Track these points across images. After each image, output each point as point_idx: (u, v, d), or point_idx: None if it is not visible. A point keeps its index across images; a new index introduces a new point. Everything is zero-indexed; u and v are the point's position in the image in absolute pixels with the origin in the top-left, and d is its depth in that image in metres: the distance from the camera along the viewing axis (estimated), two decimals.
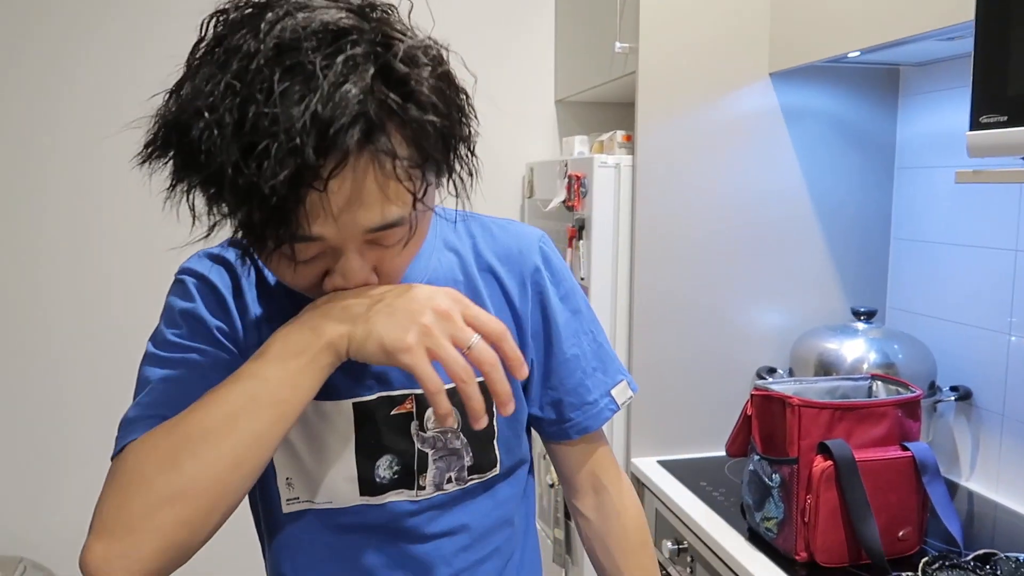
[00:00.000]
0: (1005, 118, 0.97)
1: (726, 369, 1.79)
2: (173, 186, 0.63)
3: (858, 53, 1.52)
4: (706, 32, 1.70)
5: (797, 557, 1.27)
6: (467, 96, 0.68)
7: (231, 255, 0.78)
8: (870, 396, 1.38)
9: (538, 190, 2.16)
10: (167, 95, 0.63)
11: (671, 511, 1.57)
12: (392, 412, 0.78)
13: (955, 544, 1.27)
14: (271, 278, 0.78)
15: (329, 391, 0.74)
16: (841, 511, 1.25)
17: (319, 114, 0.57)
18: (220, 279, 0.77)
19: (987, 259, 1.57)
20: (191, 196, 0.63)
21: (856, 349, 1.60)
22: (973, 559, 1.09)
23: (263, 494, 0.81)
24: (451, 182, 0.69)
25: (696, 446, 1.77)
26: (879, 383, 1.39)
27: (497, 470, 0.83)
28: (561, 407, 0.87)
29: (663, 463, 1.73)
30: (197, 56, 0.62)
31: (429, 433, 0.79)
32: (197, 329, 0.74)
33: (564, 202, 1.85)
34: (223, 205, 0.62)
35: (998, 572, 1.07)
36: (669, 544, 1.56)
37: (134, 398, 0.72)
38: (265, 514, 0.83)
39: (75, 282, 2.11)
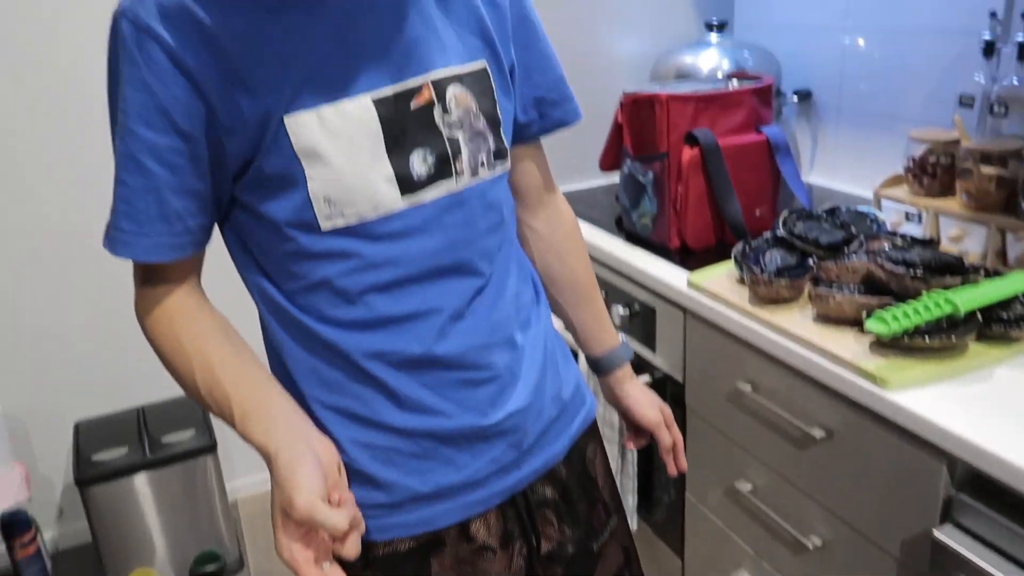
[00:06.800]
0: None
1: (590, 101, 1.83)
2: None
3: None
4: None
5: (671, 245, 1.39)
6: None
7: None
8: None
9: None
10: None
11: None
12: (412, 107, 0.73)
13: None
14: None
15: (344, 88, 0.70)
16: (708, 196, 1.36)
17: None
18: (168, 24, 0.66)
19: None
20: None
21: (711, 59, 1.68)
22: (823, 211, 1.24)
23: (295, 227, 0.74)
24: None
25: (570, 179, 1.85)
26: (734, 80, 1.47)
27: (507, 156, 0.82)
28: (543, 105, 0.88)
29: None
30: None
31: (454, 116, 0.75)
32: (147, 105, 0.67)
33: None
34: None
35: (842, 219, 1.22)
36: None
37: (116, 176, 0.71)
38: (293, 255, 0.75)
39: None
